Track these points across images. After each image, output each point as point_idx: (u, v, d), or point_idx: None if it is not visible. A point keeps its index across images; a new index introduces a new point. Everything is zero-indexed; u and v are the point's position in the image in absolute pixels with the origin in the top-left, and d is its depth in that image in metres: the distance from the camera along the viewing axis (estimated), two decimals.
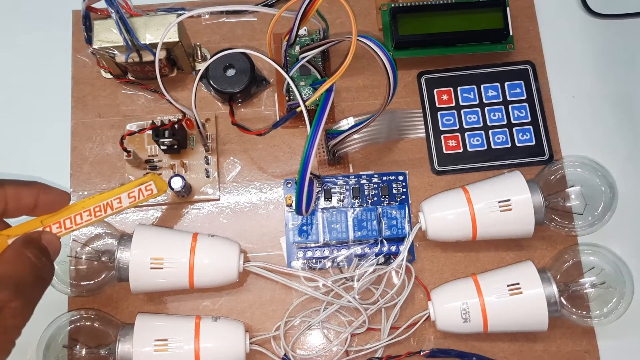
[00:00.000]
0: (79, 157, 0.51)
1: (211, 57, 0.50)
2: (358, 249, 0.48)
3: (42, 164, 0.52)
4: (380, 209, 0.48)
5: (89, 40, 0.48)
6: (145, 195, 0.43)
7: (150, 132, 0.49)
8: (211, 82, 0.50)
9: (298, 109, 0.43)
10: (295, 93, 0.41)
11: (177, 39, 0.48)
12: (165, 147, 0.49)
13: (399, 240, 0.48)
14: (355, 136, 0.48)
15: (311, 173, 0.48)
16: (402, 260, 0.47)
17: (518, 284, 0.44)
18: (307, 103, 0.42)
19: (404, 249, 0.47)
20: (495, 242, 0.49)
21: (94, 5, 0.48)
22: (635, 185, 0.51)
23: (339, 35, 0.42)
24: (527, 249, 0.49)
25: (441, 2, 0.52)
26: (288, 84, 0.48)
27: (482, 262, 0.49)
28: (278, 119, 0.48)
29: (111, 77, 0.53)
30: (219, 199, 0.50)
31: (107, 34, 0.48)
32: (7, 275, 0.33)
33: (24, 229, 0.38)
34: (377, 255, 0.48)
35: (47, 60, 0.54)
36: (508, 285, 0.44)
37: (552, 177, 0.48)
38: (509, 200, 0.45)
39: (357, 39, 0.40)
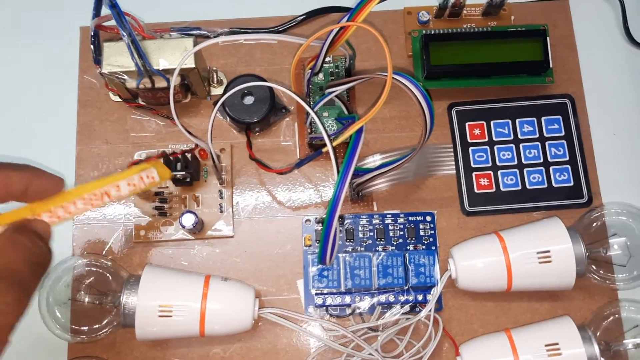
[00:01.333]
0: None
1: (227, 85, 0.47)
2: (382, 297, 0.44)
3: None
4: (407, 255, 0.45)
5: (98, 61, 0.45)
6: (146, 183, 0.38)
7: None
8: (228, 110, 0.47)
9: (324, 150, 0.39)
10: (323, 134, 0.38)
11: (193, 65, 0.44)
12: (177, 180, 0.46)
13: (426, 288, 0.45)
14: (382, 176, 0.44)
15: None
16: (430, 311, 0.43)
17: (557, 344, 0.40)
18: (335, 143, 0.38)
19: (432, 298, 0.43)
20: (528, 292, 0.45)
21: (104, 24, 0.44)
22: None
23: (369, 72, 0.39)
24: (563, 299, 0.46)
25: (476, 30, 0.49)
26: (311, 117, 0.45)
27: (514, 312, 0.45)
28: (300, 159, 0.45)
29: (120, 100, 0.49)
30: (233, 236, 0.47)
31: (118, 58, 0.44)
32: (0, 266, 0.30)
33: (12, 217, 0.34)
34: (402, 304, 0.44)
35: (52, 80, 0.51)
36: (546, 345, 0.40)
37: (594, 225, 0.45)
38: (548, 251, 0.42)
39: (393, 78, 0.36)
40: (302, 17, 0.52)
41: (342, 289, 0.44)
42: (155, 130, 0.49)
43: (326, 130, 0.38)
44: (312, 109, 0.41)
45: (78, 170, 0.48)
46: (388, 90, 0.36)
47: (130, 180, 0.37)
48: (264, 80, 0.47)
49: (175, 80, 0.43)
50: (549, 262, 0.41)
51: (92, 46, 0.45)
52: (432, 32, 0.48)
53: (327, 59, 0.48)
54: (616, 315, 0.43)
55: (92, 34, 0.45)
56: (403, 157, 0.41)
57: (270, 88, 0.47)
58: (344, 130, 0.38)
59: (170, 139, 0.49)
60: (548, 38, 0.48)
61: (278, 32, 0.51)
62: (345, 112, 0.45)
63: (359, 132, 0.38)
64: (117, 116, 0.50)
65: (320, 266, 0.45)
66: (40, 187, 0.34)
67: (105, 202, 0.37)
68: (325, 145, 0.39)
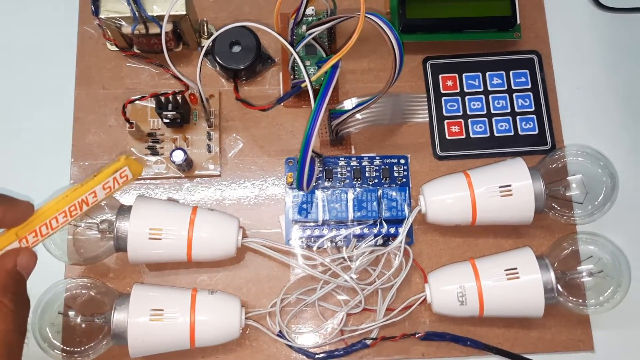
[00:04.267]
0: (82, 127, 0.51)
1: (216, 33, 0.50)
2: (357, 229, 0.48)
3: (44, 133, 0.51)
4: (380, 190, 0.48)
5: (96, 12, 0.48)
6: (120, 183, 0.39)
7: (153, 105, 0.49)
8: (217, 57, 0.50)
9: (303, 85, 0.43)
10: (301, 68, 0.41)
11: (185, 12, 0.48)
12: (167, 121, 0.49)
13: (398, 222, 0.48)
14: (358, 117, 0.48)
15: (314, 152, 0.48)
16: (401, 242, 0.47)
17: (516, 269, 0.44)
18: (312, 79, 0.42)
19: (403, 230, 0.47)
20: (494, 228, 0.49)
21: None
22: (637, 177, 0.51)
23: (348, 12, 0.42)
24: (526, 236, 0.49)
25: None
26: (293, 61, 0.48)
27: (480, 247, 0.49)
28: (287, 92, 0.48)
29: (116, 49, 0.53)
30: (219, 175, 0.50)
31: (115, 5, 0.47)
32: None
33: (0, 246, 0.36)
34: (375, 236, 0.48)
35: (52, 31, 0.54)
36: (506, 270, 0.44)
37: (554, 165, 0.48)
38: (509, 185, 0.45)
39: (365, 16, 0.40)
40: None
41: (320, 221, 0.48)
42: (148, 78, 0.53)
43: (303, 63, 0.42)
44: (295, 51, 0.44)
45: (76, 112, 0.52)
46: (361, 26, 0.39)
47: (106, 184, 0.39)
48: (251, 30, 0.50)
49: (167, 25, 0.47)
50: (510, 195, 0.45)
51: None
52: None
53: (310, 12, 0.51)
54: (573, 247, 0.46)
55: None
56: (376, 96, 0.44)
57: (257, 39, 0.50)
58: (321, 68, 0.42)
59: (162, 85, 0.52)
60: None
61: None
62: (324, 56, 0.48)
63: (334, 68, 0.42)
64: (113, 64, 0.53)
65: (300, 200, 0.48)
66: (13, 217, 0.36)
67: (84, 211, 0.38)
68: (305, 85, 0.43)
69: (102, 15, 0.48)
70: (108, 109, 0.52)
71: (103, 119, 0.52)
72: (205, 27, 0.53)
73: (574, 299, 0.45)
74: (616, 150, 0.51)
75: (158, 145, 0.50)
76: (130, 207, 0.45)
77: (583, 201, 0.47)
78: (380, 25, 0.39)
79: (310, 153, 0.41)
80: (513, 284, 0.43)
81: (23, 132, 0.52)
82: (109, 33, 0.51)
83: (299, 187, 0.44)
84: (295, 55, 0.42)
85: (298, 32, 0.51)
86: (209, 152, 0.51)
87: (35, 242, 0.37)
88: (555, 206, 0.47)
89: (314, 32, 0.45)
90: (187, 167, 0.50)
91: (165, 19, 0.45)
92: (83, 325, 0.43)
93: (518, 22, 0.51)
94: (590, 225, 0.48)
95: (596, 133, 0.52)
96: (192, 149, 0.50)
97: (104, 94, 0.52)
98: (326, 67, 0.41)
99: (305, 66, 0.42)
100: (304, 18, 0.51)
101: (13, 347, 0.32)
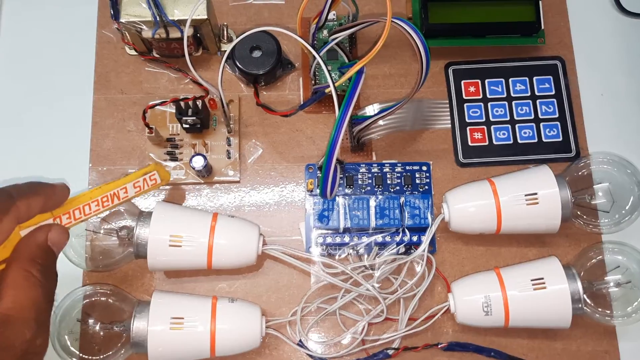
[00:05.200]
0: (100, 132, 0.51)
1: (238, 38, 0.50)
2: (379, 237, 0.47)
3: (62, 137, 0.51)
4: (403, 198, 0.48)
5: (115, 16, 0.48)
6: (149, 185, 0.42)
7: (172, 110, 0.49)
8: (237, 62, 0.49)
9: (327, 91, 0.42)
10: (325, 73, 0.41)
11: (206, 17, 0.47)
12: (187, 126, 0.49)
13: (420, 230, 0.47)
14: (381, 123, 0.47)
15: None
16: (424, 250, 0.46)
17: (542, 278, 0.43)
18: (337, 84, 0.41)
19: (426, 239, 0.46)
20: (517, 237, 0.48)
21: None
22: None
23: (371, 17, 0.41)
24: (550, 245, 0.48)
25: None
26: (315, 66, 0.48)
27: (504, 256, 0.48)
28: (304, 101, 0.48)
29: (135, 53, 0.52)
30: (239, 181, 0.50)
31: (135, 8, 0.47)
32: (27, 308, 0.32)
33: (35, 221, 0.37)
34: (398, 244, 0.47)
35: (71, 35, 0.54)
36: (532, 280, 0.43)
37: (579, 173, 0.47)
38: (535, 194, 0.44)
39: (392, 21, 0.39)
40: None
41: (341, 229, 0.47)
42: (167, 82, 0.52)
43: (328, 69, 0.41)
44: (319, 55, 0.44)
45: (94, 117, 0.51)
46: (387, 31, 0.39)
47: (136, 182, 0.42)
48: (272, 35, 0.50)
49: (188, 29, 0.47)
50: (536, 203, 0.44)
51: (110, 1, 0.48)
52: None
53: (331, 16, 0.51)
54: (599, 257, 0.45)
55: None
56: (400, 102, 0.43)
57: (278, 44, 0.50)
58: (345, 73, 0.41)
59: (181, 90, 0.52)
60: (540, 1, 0.50)
61: None
62: (347, 61, 0.48)
63: (359, 73, 0.41)
64: (132, 68, 0.53)
65: (321, 207, 0.47)
66: (54, 202, 0.38)
67: (114, 204, 0.41)
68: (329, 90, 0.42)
69: (122, 20, 0.47)
70: (127, 114, 0.51)
71: (121, 123, 0.51)
72: (225, 32, 0.52)
73: (601, 310, 0.44)
74: None
75: (177, 151, 0.50)
76: (150, 214, 0.44)
77: (610, 210, 0.46)
78: (407, 31, 0.39)
79: (335, 160, 0.40)
80: (540, 294, 0.42)
81: (41, 136, 0.51)
82: (128, 37, 0.50)
83: (323, 195, 0.43)
84: (319, 59, 0.41)
85: (319, 37, 0.50)
86: (229, 157, 0.50)
87: (68, 224, 0.39)
88: (582, 215, 0.46)
89: (337, 37, 0.44)
90: (207, 173, 0.49)
91: (188, 23, 0.45)
92: (102, 333, 0.43)
93: (542, 27, 0.51)
94: (617, 235, 0.47)
95: (621, 140, 0.51)
96: (212, 154, 0.50)
97: (123, 99, 0.52)
98: (351, 72, 0.41)
99: (329, 71, 0.41)
100: (326, 23, 0.51)
101: (41, 313, 0.32)
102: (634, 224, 0.46)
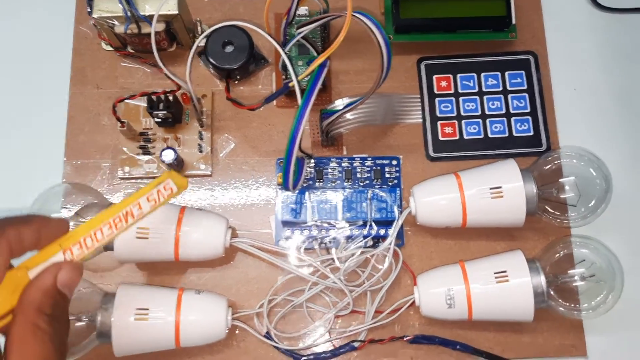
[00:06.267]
0: (75, 126, 0.52)
1: (209, 35, 0.50)
2: (347, 231, 0.47)
3: (38, 131, 0.52)
4: (370, 191, 0.48)
5: (90, 11, 0.48)
6: (165, 196, 0.39)
7: (145, 104, 0.49)
8: (209, 57, 0.50)
9: (290, 84, 0.42)
10: (288, 67, 0.41)
11: (177, 12, 0.48)
12: (159, 120, 0.49)
13: (388, 223, 0.48)
14: (350, 116, 0.47)
15: (304, 152, 0.48)
16: (390, 244, 0.46)
17: (505, 272, 0.43)
18: (299, 78, 0.42)
19: (392, 232, 0.46)
20: (486, 231, 0.48)
21: None
22: (633, 180, 0.50)
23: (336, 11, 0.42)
24: (519, 239, 0.48)
25: None
26: (284, 61, 0.48)
27: (472, 250, 0.48)
28: (275, 91, 0.48)
29: (111, 49, 0.53)
30: (210, 175, 0.50)
31: (108, 4, 0.48)
32: None
33: (43, 257, 0.34)
34: (365, 237, 0.47)
35: (49, 30, 0.54)
36: (495, 273, 0.43)
37: (547, 167, 0.47)
38: (500, 187, 0.44)
39: (353, 15, 0.39)
40: None
41: (309, 222, 0.48)
42: (143, 77, 0.53)
43: (292, 65, 0.41)
44: (284, 50, 0.44)
45: (70, 111, 0.52)
46: (348, 24, 0.39)
47: (150, 196, 0.38)
48: (244, 30, 0.50)
49: (158, 25, 0.47)
50: (501, 197, 0.44)
51: None
52: None
53: (303, 12, 0.51)
54: (566, 251, 0.45)
55: None
56: (364, 97, 0.44)
57: (250, 39, 0.50)
58: (310, 65, 0.42)
59: (157, 85, 0.52)
60: None
61: None
62: (316, 55, 0.48)
63: (322, 66, 0.41)
64: (108, 64, 0.53)
65: (289, 200, 0.48)
66: (49, 234, 0.34)
67: (129, 224, 0.37)
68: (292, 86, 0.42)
69: (95, 15, 0.48)
70: (102, 108, 0.52)
71: (97, 118, 0.52)
72: (199, 27, 0.53)
73: (566, 304, 0.44)
74: (613, 152, 0.50)
75: (150, 145, 0.50)
76: None
77: (577, 204, 0.46)
78: (366, 24, 0.39)
79: (295, 152, 0.41)
80: (502, 287, 0.43)
81: (17, 130, 0.52)
82: (104, 33, 0.51)
83: (285, 187, 0.43)
84: (283, 54, 0.42)
85: (291, 33, 0.50)
86: (201, 151, 0.50)
87: (81, 255, 0.35)
88: (548, 208, 0.46)
89: (302, 32, 0.44)
90: (179, 167, 0.50)
91: (155, 19, 0.45)
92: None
93: (513, 22, 0.51)
94: (584, 228, 0.47)
95: (593, 135, 0.51)
96: (184, 148, 0.50)
97: (98, 94, 0.53)
98: (313, 66, 0.41)
99: (293, 65, 0.42)
100: (297, 18, 0.51)
101: None
102: (600, 219, 0.46)
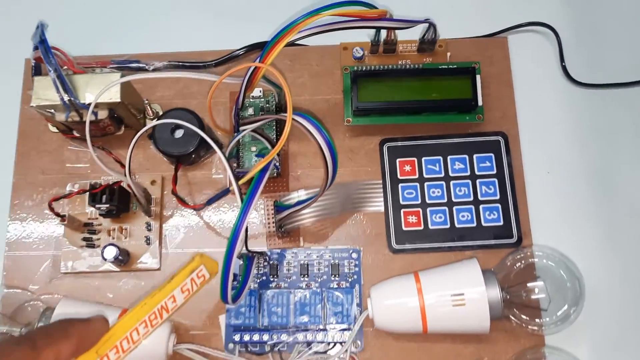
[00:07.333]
0: (18, 215, 0.49)
1: (159, 118, 0.48)
2: (300, 335, 0.44)
3: None
4: (325, 294, 0.45)
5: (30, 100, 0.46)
6: (198, 284, 0.38)
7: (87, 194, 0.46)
8: (157, 145, 0.47)
9: (231, 188, 0.39)
10: (228, 172, 0.38)
11: (119, 100, 0.45)
12: (103, 212, 0.46)
13: (345, 328, 0.44)
14: (305, 211, 0.44)
15: (253, 252, 0.44)
16: (347, 350, 0.43)
17: None
18: (240, 182, 0.39)
19: (349, 338, 0.43)
20: (452, 334, 0.45)
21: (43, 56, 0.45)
22: (609, 272, 0.47)
23: (294, 109, 0.38)
24: (488, 342, 0.45)
25: (408, 67, 0.49)
26: (232, 151, 0.45)
27: (437, 355, 0.45)
28: (217, 193, 0.45)
29: (57, 131, 0.50)
30: (159, 269, 0.47)
31: (47, 92, 0.45)
32: None
33: None
34: (319, 343, 0.44)
35: None
36: None
37: (515, 266, 0.44)
38: (462, 294, 0.41)
39: (293, 119, 0.36)
40: (241, 51, 0.52)
41: (260, 326, 0.44)
42: (90, 162, 0.50)
43: (232, 168, 0.39)
44: (234, 139, 0.41)
45: (13, 198, 0.49)
46: (287, 131, 0.36)
47: (184, 286, 0.37)
48: (194, 114, 0.47)
49: (101, 113, 0.45)
50: (463, 304, 0.41)
51: (33, 78, 0.46)
52: (362, 69, 0.48)
53: (258, 93, 0.48)
54: None
55: (33, 65, 0.47)
56: (315, 195, 0.41)
57: (201, 122, 0.47)
58: (250, 170, 0.39)
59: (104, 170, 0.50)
60: (478, 76, 0.47)
61: (215, 65, 0.52)
62: (269, 147, 0.45)
63: (263, 171, 0.38)
64: (54, 147, 0.51)
65: (241, 302, 0.45)
66: (88, 343, 0.34)
67: (164, 319, 0.37)
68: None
69: (33, 104, 0.45)
70: (47, 196, 0.49)
71: (40, 206, 0.49)
72: (150, 108, 0.50)
73: None
74: (589, 241, 0.47)
75: (94, 237, 0.48)
76: (52, 310, 0.42)
77: (547, 308, 0.42)
78: (308, 130, 0.36)
79: (233, 263, 0.37)
80: None
81: None
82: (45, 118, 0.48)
83: (223, 299, 0.40)
84: (221, 156, 0.39)
85: (244, 115, 0.48)
86: (148, 244, 0.47)
87: (118, 359, 0.35)
88: (517, 312, 0.43)
89: (245, 129, 0.42)
90: (123, 262, 0.47)
91: (90, 110, 0.43)
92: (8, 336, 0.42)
93: (480, 104, 0.47)
94: (560, 335, 0.43)
95: (567, 221, 0.48)
96: (130, 240, 0.47)
97: (43, 180, 0.50)
98: (253, 172, 0.38)
99: (232, 169, 0.39)
100: (252, 100, 0.48)
101: None
102: (575, 323, 0.42)
